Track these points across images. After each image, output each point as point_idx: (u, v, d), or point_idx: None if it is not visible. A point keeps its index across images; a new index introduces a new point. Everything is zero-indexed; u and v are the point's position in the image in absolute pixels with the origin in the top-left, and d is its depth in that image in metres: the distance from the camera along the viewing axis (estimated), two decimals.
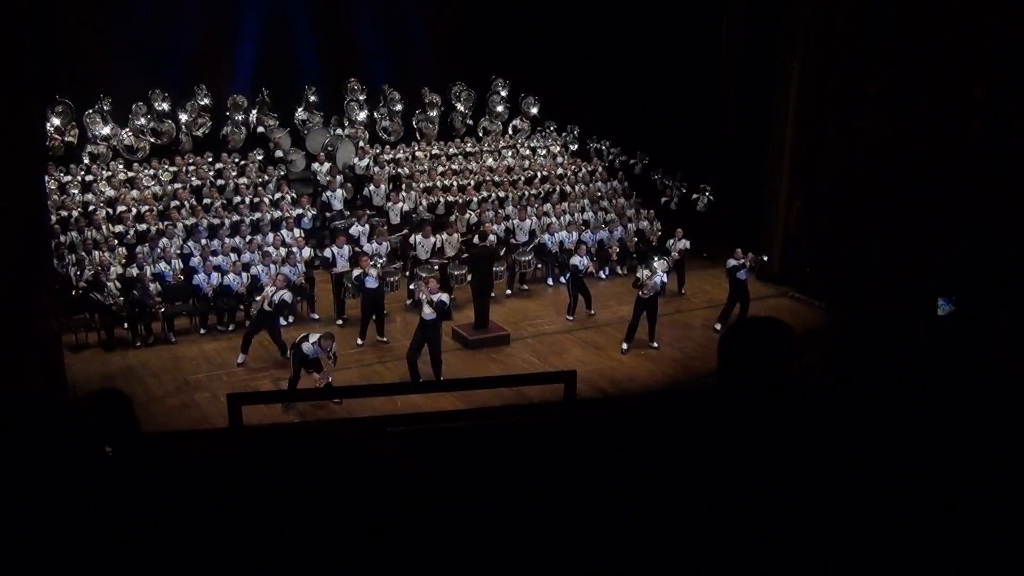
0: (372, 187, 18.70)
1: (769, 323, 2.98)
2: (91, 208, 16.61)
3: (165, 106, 20.05)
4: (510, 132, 22.28)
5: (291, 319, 14.79)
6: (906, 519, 2.04)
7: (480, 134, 22.14)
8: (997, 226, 13.33)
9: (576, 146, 22.01)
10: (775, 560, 2.07)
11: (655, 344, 14.36)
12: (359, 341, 14.35)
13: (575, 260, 15.62)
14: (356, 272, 14.44)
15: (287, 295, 13.67)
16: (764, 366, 2.84)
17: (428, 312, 12.77)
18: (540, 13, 21.69)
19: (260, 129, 20.53)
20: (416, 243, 16.05)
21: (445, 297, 13.16)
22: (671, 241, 16.81)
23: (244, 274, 14.91)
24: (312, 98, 21.33)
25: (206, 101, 20.48)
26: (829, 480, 2.11)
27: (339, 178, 18.88)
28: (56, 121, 18.63)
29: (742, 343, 2.89)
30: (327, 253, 15.43)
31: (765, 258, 15.70)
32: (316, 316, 15.24)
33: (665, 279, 14.75)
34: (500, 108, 22.59)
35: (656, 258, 15.03)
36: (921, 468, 2.19)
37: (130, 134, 19.11)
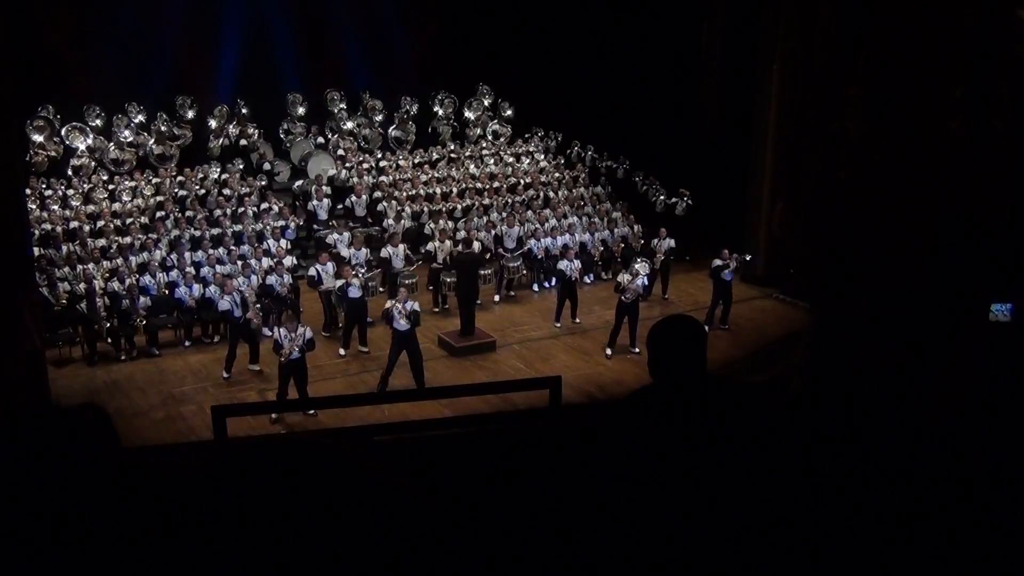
0: (354, 197, 18.66)
1: (688, 320, 3.12)
2: (73, 224, 16.52)
3: (141, 118, 19.98)
4: (489, 137, 22.27)
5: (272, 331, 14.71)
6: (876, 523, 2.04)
7: (463, 141, 22.16)
8: (980, 224, 13.42)
9: (557, 153, 22.05)
10: (767, 560, 2.07)
11: (636, 349, 14.36)
12: (341, 351, 14.31)
13: (562, 264, 15.64)
14: (339, 283, 14.41)
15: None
16: (687, 359, 2.92)
17: (403, 324, 12.76)
18: (521, 19, 21.74)
19: (243, 142, 20.50)
20: (390, 254, 15.99)
21: (416, 305, 13.11)
22: (655, 241, 16.88)
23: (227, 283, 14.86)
24: (301, 110, 21.33)
25: (191, 114, 20.45)
26: (808, 481, 2.11)
27: (325, 188, 18.84)
28: (39, 137, 18.52)
29: (665, 338, 3.00)
30: (312, 272, 15.29)
31: (748, 257, 15.79)
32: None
33: (646, 281, 14.81)
34: (473, 114, 22.57)
35: (638, 260, 15.07)
36: (900, 471, 2.20)
37: (116, 147, 19.04)
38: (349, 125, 21.26)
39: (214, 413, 7.63)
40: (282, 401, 12.14)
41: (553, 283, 17.28)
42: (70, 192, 17.74)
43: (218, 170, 19.32)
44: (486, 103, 22.84)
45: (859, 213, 15.63)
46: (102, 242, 15.98)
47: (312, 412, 12.08)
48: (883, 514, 2.06)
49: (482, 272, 15.88)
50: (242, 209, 17.56)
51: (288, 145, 20.68)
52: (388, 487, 0.98)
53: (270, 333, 14.25)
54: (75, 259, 15.19)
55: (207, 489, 0.96)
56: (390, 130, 21.47)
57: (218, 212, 17.48)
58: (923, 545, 2.02)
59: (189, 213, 17.36)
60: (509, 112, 22.78)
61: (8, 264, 10.55)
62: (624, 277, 14.36)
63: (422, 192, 19.17)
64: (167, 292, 14.93)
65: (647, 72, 20.79)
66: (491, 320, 15.69)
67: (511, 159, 21.34)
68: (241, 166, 19.51)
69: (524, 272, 17.23)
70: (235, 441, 7.71)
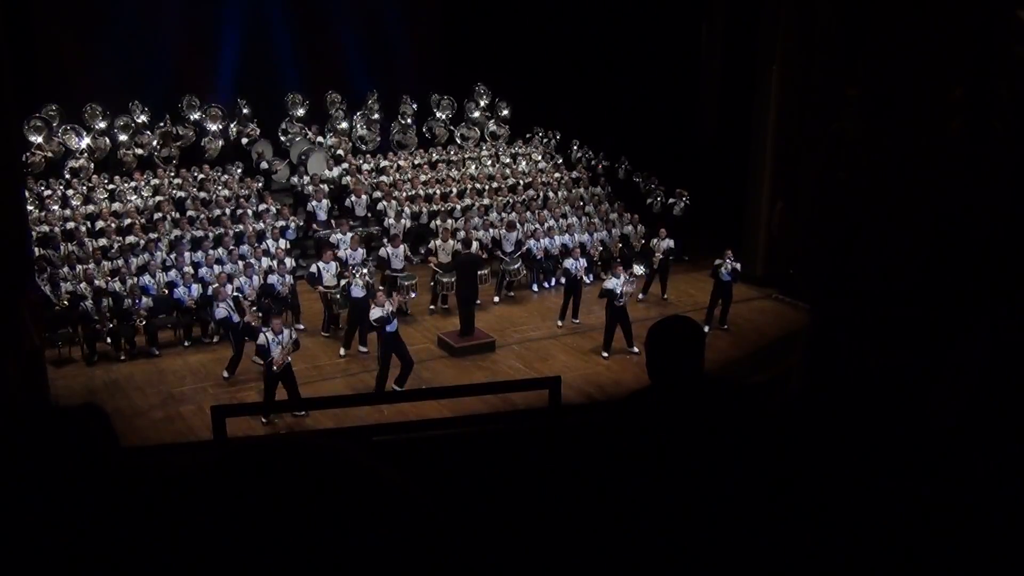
0: (353, 198, 18.64)
1: (686, 321, 3.14)
2: (71, 224, 16.52)
3: (144, 118, 19.98)
4: (486, 137, 22.24)
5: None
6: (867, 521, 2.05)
7: (459, 141, 22.12)
8: (975, 226, 13.41)
9: (556, 153, 22.04)
10: (765, 559, 2.07)
11: (635, 349, 14.34)
12: (342, 352, 14.30)
13: (568, 263, 15.64)
14: (342, 282, 14.41)
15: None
16: (685, 360, 2.93)
17: (394, 322, 12.76)
18: (521, 20, 21.74)
19: (244, 140, 20.49)
20: (389, 255, 15.97)
21: (394, 303, 13.15)
22: (655, 240, 16.88)
23: (228, 285, 14.83)
24: (301, 111, 21.32)
25: (197, 115, 20.46)
26: (806, 481, 2.12)
27: (324, 188, 18.83)
28: (36, 138, 18.50)
29: (664, 339, 3.01)
30: (313, 268, 15.26)
31: (738, 266, 15.63)
32: (302, 326, 15.03)
33: (633, 280, 14.79)
34: (476, 114, 22.60)
35: (634, 264, 15.04)
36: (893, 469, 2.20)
37: (121, 149, 19.09)
38: (344, 125, 21.25)
39: (213, 413, 7.64)
40: (281, 402, 12.11)
41: (552, 284, 17.29)
42: (70, 192, 17.73)
43: (219, 171, 19.31)
44: (483, 103, 22.81)
45: (859, 213, 15.61)
46: (103, 242, 15.98)
47: (302, 413, 12.03)
48: (882, 513, 2.06)
49: (481, 272, 15.87)
50: (241, 210, 17.55)
51: (287, 144, 20.67)
52: (388, 487, 0.98)
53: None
54: (74, 259, 15.19)
55: (207, 489, 0.96)
56: (392, 133, 21.46)
57: (218, 212, 17.48)
58: (923, 544, 2.02)
59: (191, 213, 17.36)
60: (505, 112, 22.78)
61: (8, 264, 10.54)
62: (615, 283, 14.21)
63: (421, 192, 19.17)
64: (166, 292, 14.92)
65: (647, 72, 20.78)
66: (490, 320, 15.68)
67: (509, 159, 21.33)
68: (240, 169, 19.50)
69: (523, 273, 17.22)
70: (235, 441, 7.71)
